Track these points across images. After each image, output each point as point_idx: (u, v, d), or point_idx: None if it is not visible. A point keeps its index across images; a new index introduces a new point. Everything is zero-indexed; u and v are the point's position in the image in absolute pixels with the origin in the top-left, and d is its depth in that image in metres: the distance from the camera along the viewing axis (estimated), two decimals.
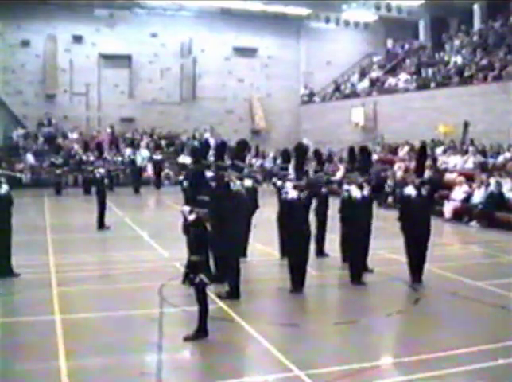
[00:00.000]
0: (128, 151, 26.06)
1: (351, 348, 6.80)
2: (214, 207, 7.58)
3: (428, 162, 15.54)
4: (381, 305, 8.62)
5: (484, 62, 22.32)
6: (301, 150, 10.07)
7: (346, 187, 10.29)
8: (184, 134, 29.75)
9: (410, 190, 9.80)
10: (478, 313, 8.24)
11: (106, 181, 16.22)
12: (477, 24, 26.89)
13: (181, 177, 13.71)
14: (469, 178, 17.56)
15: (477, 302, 8.65)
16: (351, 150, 11.72)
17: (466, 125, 20.69)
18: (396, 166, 21.08)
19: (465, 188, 17.08)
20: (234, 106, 31.34)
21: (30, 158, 25.78)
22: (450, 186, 17.63)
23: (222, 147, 10.14)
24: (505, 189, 16.10)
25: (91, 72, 28.78)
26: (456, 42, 26.33)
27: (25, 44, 28.00)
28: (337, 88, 31.16)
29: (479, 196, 16.38)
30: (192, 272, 6.89)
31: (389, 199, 18.90)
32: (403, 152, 22.76)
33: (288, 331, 7.52)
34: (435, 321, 7.88)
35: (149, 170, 26.32)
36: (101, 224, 14.65)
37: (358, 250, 9.80)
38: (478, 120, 20.50)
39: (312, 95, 32.09)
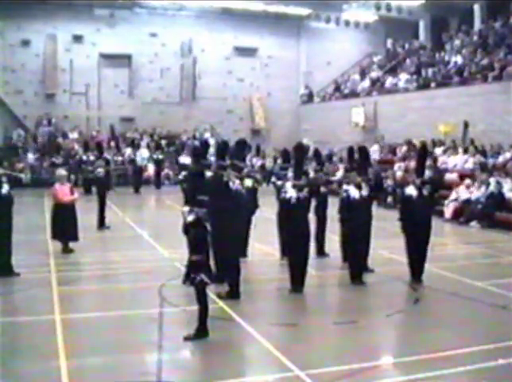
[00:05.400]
0: (128, 151, 26.08)
1: (351, 348, 6.80)
2: (214, 207, 7.57)
3: (429, 162, 15.55)
4: (381, 306, 8.62)
5: (484, 62, 22.30)
6: (301, 149, 10.07)
7: (345, 187, 10.30)
8: (184, 133, 29.74)
9: (411, 190, 9.80)
10: (478, 313, 8.25)
11: (112, 180, 16.37)
12: (477, 24, 26.85)
13: (181, 177, 13.72)
14: (469, 178, 17.56)
15: (477, 302, 8.65)
16: (350, 150, 11.74)
17: (466, 125, 20.69)
18: (396, 166, 21.08)
19: (465, 188, 17.09)
20: (234, 106, 31.31)
21: (31, 158, 25.78)
22: (450, 186, 17.64)
23: (223, 147, 10.13)
24: (505, 189, 16.11)
25: (91, 71, 28.73)
26: (456, 42, 26.29)
27: (25, 44, 27.96)
28: (337, 88, 31.14)
29: (479, 196, 16.39)
30: (192, 272, 6.89)
31: (389, 199, 18.91)
32: (401, 151, 22.83)
33: (289, 331, 7.52)
34: (435, 321, 7.88)
35: (150, 170, 26.33)
36: (101, 224, 14.66)
37: (357, 250, 9.80)
38: (478, 120, 20.49)
39: (312, 95, 32.07)
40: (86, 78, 28.56)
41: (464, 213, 16.41)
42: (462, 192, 17.01)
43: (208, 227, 7.11)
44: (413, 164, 15.90)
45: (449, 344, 6.81)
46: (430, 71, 25.12)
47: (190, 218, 7.04)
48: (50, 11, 27.55)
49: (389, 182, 19.47)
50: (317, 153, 12.72)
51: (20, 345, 6.85)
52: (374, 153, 23.41)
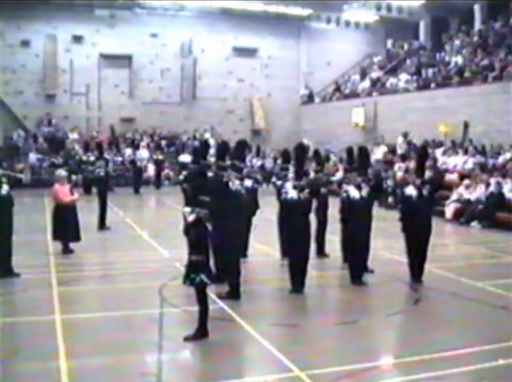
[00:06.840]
0: (128, 151, 26.06)
1: (351, 349, 6.79)
2: (214, 207, 7.56)
3: (429, 163, 15.55)
4: (381, 306, 8.62)
5: (484, 62, 22.30)
6: (301, 150, 10.07)
7: (345, 187, 10.30)
8: (184, 134, 29.74)
9: (411, 190, 9.80)
10: (478, 313, 8.24)
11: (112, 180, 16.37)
12: (477, 24, 26.85)
13: (181, 177, 13.71)
14: (469, 179, 17.56)
15: (477, 302, 8.65)
16: (350, 150, 11.73)
17: (466, 125, 20.69)
18: (396, 166, 21.08)
19: (465, 188, 17.08)
20: (234, 106, 31.31)
21: (32, 158, 25.78)
22: (450, 187, 17.64)
23: (223, 147, 10.12)
24: (505, 190, 16.11)
25: (91, 72, 28.74)
26: (457, 42, 26.31)
27: (25, 44, 27.95)
28: (337, 88, 31.14)
29: (479, 196, 16.38)
30: (192, 272, 6.89)
31: (390, 199, 18.91)
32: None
33: (289, 331, 7.52)
34: (435, 321, 7.87)
35: (150, 170, 26.32)
36: (102, 224, 14.65)
37: (357, 250, 9.80)
38: (478, 120, 20.49)
39: (312, 95, 32.08)
40: (86, 78, 28.57)
41: (465, 214, 16.41)
42: (462, 193, 17.00)
43: (209, 227, 7.10)
44: (413, 164, 15.90)
45: (449, 344, 6.81)
46: (430, 71, 25.12)
47: (191, 218, 7.05)
48: (50, 11, 27.55)
49: (389, 182, 19.47)
50: (317, 153, 12.72)
51: (20, 345, 6.85)
52: (400, 146, 23.27)
